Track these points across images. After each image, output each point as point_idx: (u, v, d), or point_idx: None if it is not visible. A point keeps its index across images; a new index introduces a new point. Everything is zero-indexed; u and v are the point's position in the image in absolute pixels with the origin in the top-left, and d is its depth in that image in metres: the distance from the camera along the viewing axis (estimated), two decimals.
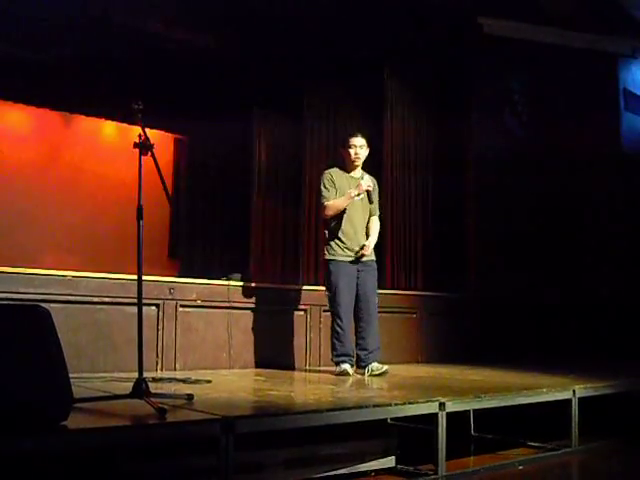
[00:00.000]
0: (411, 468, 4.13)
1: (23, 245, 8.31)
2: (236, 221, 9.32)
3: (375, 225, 5.82)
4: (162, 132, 9.49)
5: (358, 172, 5.77)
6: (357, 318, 5.66)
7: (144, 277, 3.75)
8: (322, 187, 5.69)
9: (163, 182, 3.75)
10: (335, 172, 5.74)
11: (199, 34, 7.80)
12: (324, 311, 6.38)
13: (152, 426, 3.11)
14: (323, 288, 6.50)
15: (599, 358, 7.54)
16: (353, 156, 5.67)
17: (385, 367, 5.49)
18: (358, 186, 5.58)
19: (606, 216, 8.53)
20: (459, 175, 8.46)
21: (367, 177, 5.73)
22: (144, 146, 3.66)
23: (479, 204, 8.39)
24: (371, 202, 5.69)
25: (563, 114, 8.58)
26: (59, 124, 9.48)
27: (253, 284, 6.20)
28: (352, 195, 5.57)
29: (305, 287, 6.69)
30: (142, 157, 3.68)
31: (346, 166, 5.75)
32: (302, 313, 6.39)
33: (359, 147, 5.67)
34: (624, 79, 9.04)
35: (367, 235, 5.74)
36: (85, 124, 9.53)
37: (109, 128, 9.41)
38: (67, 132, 9.59)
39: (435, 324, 7.38)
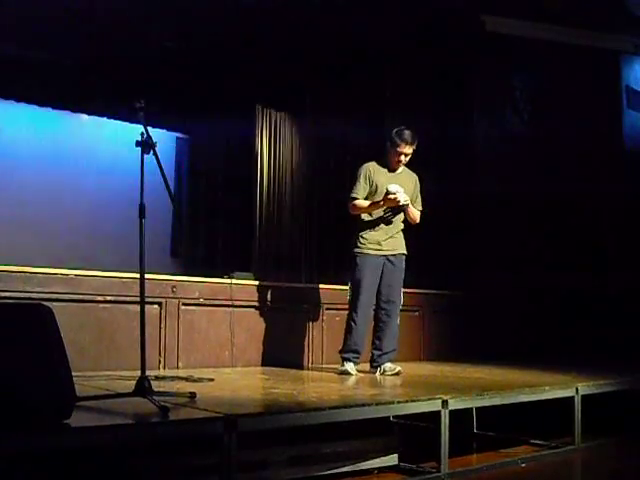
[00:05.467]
0: (414, 466, 4.13)
1: (25, 244, 8.31)
2: (238, 219, 9.32)
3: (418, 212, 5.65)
4: (164, 130, 9.50)
5: (400, 167, 5.59)
6: (377, 317, 5.56)
7: (146, 276, 3.75)
8: (356, 180, 5.51)
9: (165, 180, 3.75)
10: (373, 166, 5.55)
11: (200, 32, 7.80)
12: (327, 309, 6.39)
13: (155, 424, 3.11)
14: (325, 286, 6.52)
15: (601, 356, 7.53)
16: (396, 161, 5.50)
17: (398, 368, 5.42)
18: (387, 199, 5.34)
19: (608, 214, 8.52)
20: (461, 173, 8.45)
21: (406, 173, 5.58)
22: (146, 144, 3.66)
23: (481, 202, 8.39)
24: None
25: (565, 112, 8.56)
26: (61, 123, 9.48)
27: (255, 282, 6.20)
28: (380, 204, 5.39)
29: (307, 285, 6.69)
30: (144, 155, 3.68)
31: (388, 163, 5.56)
32: (305, 311, 6.39)
33: (404, 155, 5.47)
34: (627, 76, 9.02)
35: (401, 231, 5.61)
36: (87, 123, 9.53)
37: (111, 127, 9.40)
38: (69, 131, 9.58)
39: (438, 322, 7.38)
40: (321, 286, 6.55)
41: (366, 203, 5.47)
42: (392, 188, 5.33)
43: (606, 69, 8.83)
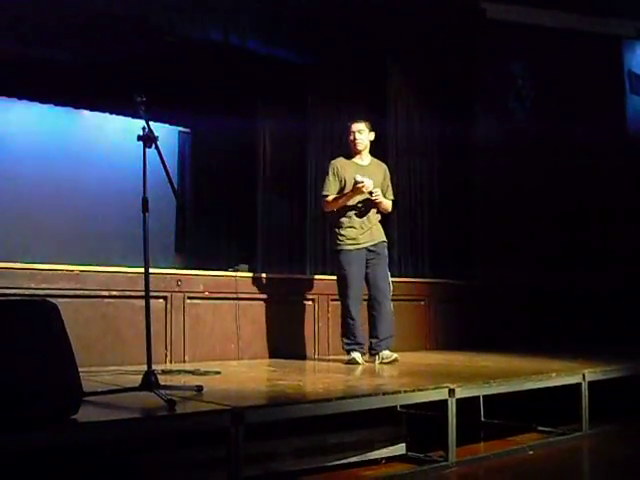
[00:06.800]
0: (421, 455, 4.15)
1: (29, 240, 8.33)
2: (242, 212, 9.31)
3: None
4: (166, 125, 9.50)
5: (366, 158, 5.71)
6: (369, 306, 5.62)
7: (151, 270, 3.76)
8: (326, 178, 5.65)
9: (168, 174, 3.74)
10: (340, 162, 5.67)
11: (202, 27, 7.77)
12: (332, 300, 6.38)
13: (162, 418, 3.11)
14: (330, 277, 6.51)
15: (607, 344, 7.51)
16: (353, 143, 5.63)
17: (395, 355, 5.49)
18: (355, 189, 5.46)
19: (612, 200, 8.49)
20: (464, 162, 8.44)
21: (375, 164, 5.69)
22: (148, 138, 3.65)
23: (485, 190, 8.37)
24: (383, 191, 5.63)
25: (568, 98, 8.53)
26: (63, 119, 9.48)
27: (260, 274, 6.21)
28: (350, 195, 5.50)
29: (312, 276, 6.69)
30: (146, 150, 3.68)
31: (350, 153, 5.69)
32: (310, 302, 6.39)
33: (357, 132, 5.61)
34: (629, 61, 8.98)
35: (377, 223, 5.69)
36: (89, 118, 9.53)
37: (113, 122, 9.40)
38: (71, 127, 9.59)
39: (444, 311, 7.38)
40: (326, 277, 6.55)
41: (338, 197, 5.55)
42: (359, 177, 5.43)
43: (608, 54, 8.79)
